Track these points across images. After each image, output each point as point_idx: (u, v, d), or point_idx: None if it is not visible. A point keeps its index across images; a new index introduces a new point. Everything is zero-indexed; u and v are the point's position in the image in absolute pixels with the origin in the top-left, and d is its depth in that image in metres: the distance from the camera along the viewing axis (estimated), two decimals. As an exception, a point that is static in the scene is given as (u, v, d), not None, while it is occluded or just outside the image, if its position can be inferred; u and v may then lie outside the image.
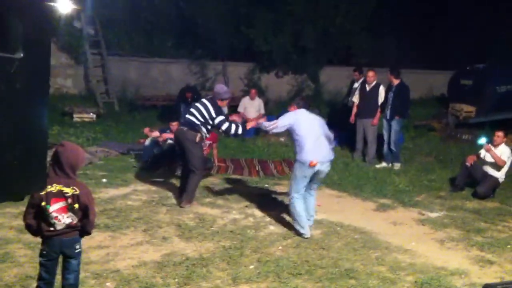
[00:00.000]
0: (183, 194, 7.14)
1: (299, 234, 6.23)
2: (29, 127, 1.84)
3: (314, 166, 6.17)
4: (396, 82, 10.10)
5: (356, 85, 11.34)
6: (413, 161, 10.69)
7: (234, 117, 7.76)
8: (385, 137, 10.20)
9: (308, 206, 6.45)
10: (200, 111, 7.11)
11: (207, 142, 9.45)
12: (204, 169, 7.31)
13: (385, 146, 10.19)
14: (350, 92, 11.66)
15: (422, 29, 16.96)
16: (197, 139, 7.01)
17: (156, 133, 9.24)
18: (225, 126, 7.07)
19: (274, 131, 6.60)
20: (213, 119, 7.05)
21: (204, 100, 7.29)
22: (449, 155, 11.02)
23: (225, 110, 12.19)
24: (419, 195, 8.41)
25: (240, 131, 7.12)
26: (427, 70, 16.70)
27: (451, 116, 13.53)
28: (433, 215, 7.41)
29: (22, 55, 1.72)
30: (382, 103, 10.20)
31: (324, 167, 6.38)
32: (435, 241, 6.39)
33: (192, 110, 7.20)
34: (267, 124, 6.63)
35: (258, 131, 12.18)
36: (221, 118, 7.07)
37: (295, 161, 6.33)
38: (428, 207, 7.74)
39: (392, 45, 16.61)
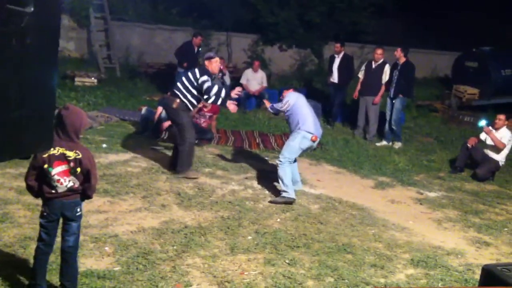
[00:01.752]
0: (177, 164, 7.01)
1: (288, 201, 6.46)
2: (38, 85, 1.81)
3: (314, 141, 6.68)
4: (403, 60, 9.99)
5: (337, 61, 11.17)
6: (414, 141, 10.69)
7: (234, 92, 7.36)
8: (388, 115, 10.15)
9: (294, 172, 6.82)
10: (187, 76, 7.04)
11: (207, 114, 9.42)
12: (192, 137, 6.97)
13: (387, 125, 10.14)
14: (329, 68, 11.43)
15: (429, 8, 16.78)
16: (174, 104, 6.87)
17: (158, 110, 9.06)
18: (206, 84, 6.83)
19: (282, 109, 6.83)
20: (197, 80, 6.89)
21: (195, 69, 7.19)
22: (450, 137, 11.02)
23: (228, 81, 12.19)
24: (418, 174, 8.43)
25: (220, 99, 6.86)
26: (432, 50, 16.57)
27: (454, 97, 13.47)
28: (432, 195, 7.44)
29: (32, 9, 1.68)
30: (387, 82, 10.12)
31: (316, 143, 6.89)
32: (433, 221, 6.43)
33: (180, 77, 7.23)
34: (278, 107, 6.88)
35: (260, 103, 12.17)
36: (204, 77, 6.86)
37: (296, 132, 6.61)
38: (427, 187, 7.77)
39: (398, 24, 16.46)
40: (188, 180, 6.89)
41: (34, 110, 1.80)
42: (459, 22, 16.31)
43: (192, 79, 6.93)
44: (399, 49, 10.02)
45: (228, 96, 7.08)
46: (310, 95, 12.12)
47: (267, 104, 7.24)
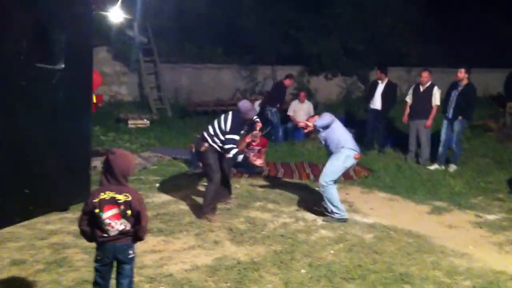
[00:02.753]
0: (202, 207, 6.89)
1: (341, 219, 6.72)
2: (71, 137, 1.89)
3: (357, 158, 6.92)
4: (466, 81, 9.80)
5: (380, 87, 11.05)
6: (469, 162, 10.38)
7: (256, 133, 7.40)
8: (442, 137, 9.93)
9: None
10: (219, 121, 6.89)
11: (256, 148, 9.49)
12: (218, 178, 6.84)
13: (441, 148, 9.92)
14: (370, 94, 11.28)
15: (475, 26, 16.45)
16: (203, 148, 6.86)
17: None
18: (229, 145, 6.67)
19: (327, 122, 6.82)
20: (224, 133, 6.75)
21: (229, 113, 6.95)
22: (507, 156, 10.64)
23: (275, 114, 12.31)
24: (476, 197, 8.17)
25: (239, 158, 6.74)
26: (482, 69, 16.17)
27: (509, 115, 13.05)
28: (491, 217, 7.17)
29: (63, 66, 1.77)
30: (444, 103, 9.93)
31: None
32: (493, 245, 6.18)
33: (214, 120, 7.02)
34: (318, 122, 6.87)
35: (308, 134, 12.16)
36: (232, 136, 6.70)
37: (339, 151, 6.74)
38: (486, 210, 7.50)
39: (443, 45, 16.20)
40: (240, 215, 6.92)
41: (69, 161, 1.88)
42: (508, 37, 15.89)
43: (223, 127, 6.80)
44: (463, 70, 9.78)
45: (239, 155, 6.78)
46: (349, 123, 12.09)
47: (311, 121, 7.09)
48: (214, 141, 6.87)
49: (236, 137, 6.79)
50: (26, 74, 1.64)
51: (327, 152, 7.13)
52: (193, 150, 9.52)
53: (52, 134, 1.77)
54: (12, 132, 1.62)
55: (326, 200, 6.78)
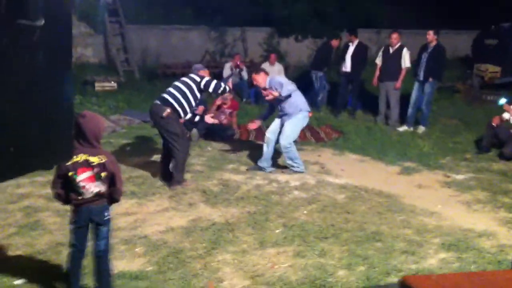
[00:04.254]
0: (166, 176, 6.67)
1: (301, 172, 7.16)
2: (54, 97, 1.83)
3: (310, 116, 7.50)
4: (434, 43, 9.87)
5: (350, 49, 11.04)
6: (438, 123, 10.55)
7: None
8: (412, 99, 10.03)
9: (271, 151, 7.42)
10: (185, 82, 6.64)
11: (228, 111, 9.45)
12: (186, 146, 6.66)
13: (410, 109, 10.04)
14: (344, 56, 11.17)
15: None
16: (165, 113, 6.42)
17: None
18: (213, 84, 6.61)
19: (291, 91, 7.10)
20: (198, 84, 6.60)
21: (184, 78, 6.81)
22: (474, 117, 10.85)
23: (245, 76, 12.20)
24: (444, 157, 8.33)
25: (227, 88, 6.79)
26: (450, 30, 16.32)
27: (476, 77, 13.26)
28: (459, 177, 7.35)
29: (43, 22, 1.69)
30: (415, 65, 10.02)
31: None
32: (462, 204, 6.35)
33: (175, 83, 6.72)
34: (285, 92, 7.02)
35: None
36: (206, 79, 6.65)
37: (298, 113, 7.13)
38: (454, 170, 7.68)
39: (412, 7, 16.23)
40: (213, 177, 6.92)
41: (52, 121, 1.83)
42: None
43: (192, 84, 6.62)
44: (431, 32, 9.85)
45: (226, 87, 6.79)
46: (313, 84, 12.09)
47: (276, 93, 7.09)
48: (180, 104, 6.52)
49: (208, 77, 6.82)
50: (6, 32, 1.57)
51: (281, 113, 7.33)
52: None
53: (35, 94, 1.71)
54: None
55: (288, 159, 7.22)
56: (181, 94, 6.55)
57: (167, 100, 6.52)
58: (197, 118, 7.00)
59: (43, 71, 1.75)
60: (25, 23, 1.63)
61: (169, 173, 6.66)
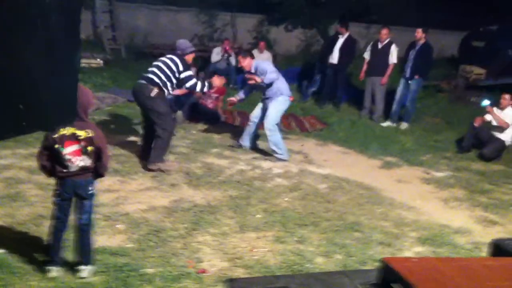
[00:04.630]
0: (148, 155, 6.49)
1: (282, 159, 7.30)
2: (63, 62, 1.86)
3: (292, 101, 7.81)
4: (423, 41, 9.95)
5: (339, 41, 11.05)
6: (421, 121, 10.69)
7: (215, 79, 7.25)
8: (398, 95, 10.13)
9: (254, 132, 7.77)
10: (168, 65, 6.54)
11: (214, 95, 9.44)
12: (171, 127, 6.61)
13: (395, 105, 10.15)
14: (331, 49, 11.17)
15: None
16: (153, 93, 6.36)
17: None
18: (191, 82, 6.65)
19: (274, 78, 7.36)
20: (180, 72, 6.54)
21: (171, 55, 6.68)
22: (457, 117, 10.99)
23: (233, 62, 12.18)
24: (425, 154, 8.46)
25: (205, 89, 6.88)
26: (437, 30, 16.44)
27: (461, 77, 13.41)
28: (439, 174, 7.47)
29: None
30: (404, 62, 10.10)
31: None
32: (440, 200, 6.48)
33: (157, 63, 6.63)
34: (267, 80, 7.29)
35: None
36: (188, 73, 6.63)
37: (279, 97, 7.34)
38: (434, 167, 7.80)
39: (402, 2, 16.29)
40: (196, 160, 6.94)
41: (60, 87, 1.86)
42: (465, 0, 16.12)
43: (175, 69, 6.53)
44: (420, 30, 9.96)
45: (205, 87, 6.84)
46: (307, 75, 12.16)
47: (259, 79, 7.32)
48: (165, 85, 6.48)
49: (191, 72, 6.76)
50: None
51: (263, 97, 7.59)
52: None
53: (45, 57, 1.74)
54: (10, 52, 1.58)
55: (272, 143, 7.35)
56: (164, 75, 6.50)
57: (152, 79, 6.45)
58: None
59: (54, 36, 1.77)
60: None
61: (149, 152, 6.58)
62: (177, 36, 14.98)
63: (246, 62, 7.44)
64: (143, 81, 6.50)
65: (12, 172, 5.80)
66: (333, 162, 7.60)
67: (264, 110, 7.49)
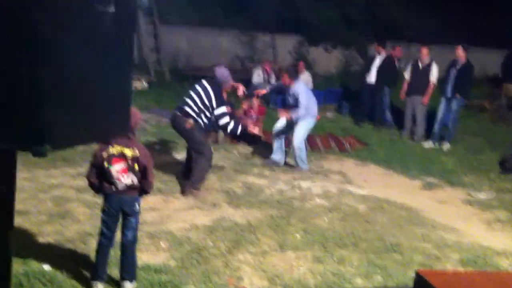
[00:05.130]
0: (187, 181, 6.50)
1: (306, 170, 7.76)
2: (118, 76, 2.03)
3: (318, 119, 8.24)
4: (463, 60, 9.88)
5: (377, 60, 11.05)
6: (463, 141, 10.53)
7: (252, 126, 7.25)
8: (439, 115, 10.03)
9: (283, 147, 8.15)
10: (201, 98, 6.45)
11: (254, 116, 9.57)
12: (210, 153, 6.52)
13: (436, 125, 10.06)
14: (370, 68, 11.19)
15: (476, 3, 16.40)
16: (189, 125, 6.37)
17: None
18: (223, 121, 6.52)
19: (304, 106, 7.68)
20: (213, 108, 6.45)
21: (207, 86, 6.55)
22: (500, 137, 10.77)
23: (273, 82, 12.33)
24: (467, 175, 8.35)
25: (238, 131, 6.71)
26: (479, 48, 16.21)
27: (504, 97, 13.18)
28: (481, 196, 7.37)
29: (113, 9, 1.90)
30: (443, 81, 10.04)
31: None
32: (482, 222, 6.39)
33: (192, 94, 6.55)
34: (300, 113, 7.65)
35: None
36: (221, 110, 6.48)
37: (306, 117, 7.69)
38: (476, 188, 7.69)
39: (443, 20, 16.16)
40: (237, 180, 7.06)
41: (115, 98, 2.02)
42: (508, 16, 15.86)
43: (208, 104, 6.45)
44: (460, 48, 9.85)
45: (238, 129, 6.69)
46: (347, 96, 12.19)
47: (294, 114, 7.71)
48: (200, 117, 6.44)
49: (225, 108, 6.57)
50: (86, 14, 1.79)
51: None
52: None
53: (103, 71, 1.92)
54: (73, 68, 1.76)
55: (300, 159, 7.78)
56: (198, 108, 6.44)
57: (187, 112, 6.45)
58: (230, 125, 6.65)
59: (111, 52, 1.95)
60: (99, 8, 1.84)
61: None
62: (218, 57, 15.37)
63: (287, 77, 7.75)
64: (179, 113, 6.55)
65: (61, 190, 6.04)
66: (373, 183, 7.60)
67: (288, 126, 7.88)
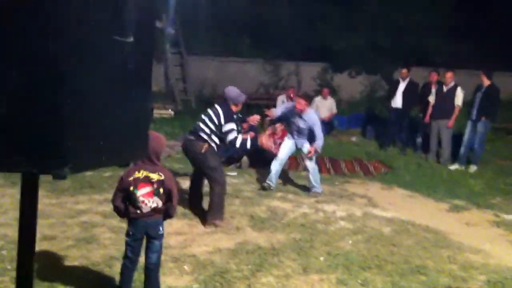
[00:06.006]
0: (209, 212, 6.29)
1: (319, 192, 7.84)
2: (137, 103, 2.14)
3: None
4: (487, 83, 9.90)
5: (402, 85, 11.05)
6: (490, 164, 10.42)
7: (262, 139, 6.98)
8: (466, 138, 10.01)
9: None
10: (211, 118, 6.39)
11: (278, 141, 9.65)
12: (224, 178, 6.38)
13: (463, 148, 9.99)
14: (395, 92, 11.21)
15: (503, 28, 16.34)
16: (203, 149, 6.27)
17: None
18: (231, 136, 6.35)
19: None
20: (221, 126, 6.33)
21: (217, 106, 6.52)
22: (529, 159, 10.67)
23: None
24: (495, 197, 8.25)
25: (247, 146, 6.54)
26: (507, 72, 16.09)
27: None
28: (509, 217, 7.25)
29: (132, 39, 2.01)
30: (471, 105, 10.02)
31: None
32: (510, 243, 6.28)
33: (203, 117, 6.48)
34: (320, 144, 7.81)
35: (329, 130, 12.31)
36: (229, 127, 6.34)
37: (312, 143, 7.80)
38: (504, 210, 7.58)
39: (469, 46, 16.13)
40: (261, 204, 7.10)
41: (134, 124, 2.12)
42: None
43: (217, 122, 6.35)
44: (483, 74, 9.98)
45: (246, 144, 6.51)
46: (372, 121, 12.19)
47: (315, 150, 7.78)
48: (212, 140, 6.36)
49: (233, 125, 6.38)
50: (105, 44, 1.92)
51: (297, 137, 8.03)
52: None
53: (122, 98, 2.03)
54: (93, 96, 1.88)
55: (314, 181, 7.88)
56: (210, 130, 6.36)
57: (200, 136, 6.34)
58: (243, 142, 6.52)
59: (130, 80, 2.06)
60: (118, 39, 1.96)
61: (198, 200, 6.69)
62: (244, 85, 15.57)
63: (302, 102, 7.81)
64: (192, 137, 6.42)
65: (88, 216, 6.17)
66: (398, 206, 7.54)
67: (294, 149, 8.10)
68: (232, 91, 6.61)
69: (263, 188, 7.88)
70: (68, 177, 1.84)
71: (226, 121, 6.32)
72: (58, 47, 1.71)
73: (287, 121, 8.23)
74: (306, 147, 7.91)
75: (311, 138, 7.84)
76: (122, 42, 1.93)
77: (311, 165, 7.87)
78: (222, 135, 6.35)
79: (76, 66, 1.77)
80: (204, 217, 6.35)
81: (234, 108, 6.50)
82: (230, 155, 9.30)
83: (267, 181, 7.92)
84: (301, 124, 7.85)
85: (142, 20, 2.05)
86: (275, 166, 7.96)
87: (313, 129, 7.76)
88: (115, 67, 1.91)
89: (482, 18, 15.87)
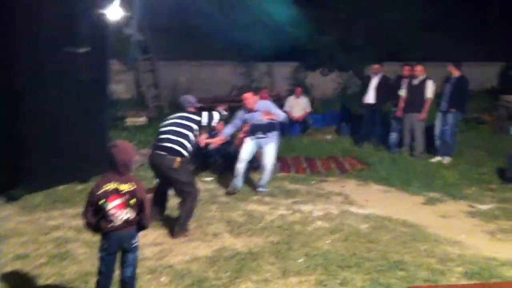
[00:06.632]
0: (175, 223, 6.18)
1: (262, 191, 7.88)
2: (94, 117, 2.08)
3: None
4: (456, 74, 10.01)
5: (375, 80, 11.12)
6: (463, 154, 10.53)
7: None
8: (437, 130, 10.11)
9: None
10: (182, 124, 6.30)
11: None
12: (196, 191, 6.24)
13: (437, 140, 10.10)
14: (367, 88, 11.23)
15: (472, 21, 16.59)
16: (176, 164, 6.02)
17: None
18: (210, 117, 6.58)
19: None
20: (199, 122, 6.42)
21: (180, 114, 6.50)
22: (500, 147, 10.74)
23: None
24: (469, 188, 8.33)
25: (213, 122, 6.68)
26: (476, 63, 16.31)
27: (502, 108, 13.20)
28: (484, 207, 7.34)
29: (84, 50, 1.96)
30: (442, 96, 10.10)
31: None
32: (486, 233, 6.35)
33: (170, 128, 6.30)
34: (283, 116, 8.02)
35: (304, 129, 12.33)
36: (204, 114, 6.52)
37: (275, 136, 7.93)
38: (479, 200, 7.67)
39: (441, 39, 16.31)
40: (238, 208, 7.06)
41: (91, 138, 2.07)
42: (503, 30, 16.02)
43: (191, 124, 6.34)
44: (452, 66, 10.13)
45: (212, 120, 6.65)
46: (346, 118, 12.26)
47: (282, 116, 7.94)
48: (186, 148, 6.16)
49: (205, 112, 6.59)
50: (56, 56, 1.87)
51: (259, 136, 7.91)
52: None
53: (77, 112, 1.98)
54: (44, 107, 1.83)
55: (266, 181, 7.97)
56: (182, 137, 6.20)
57: (171, 148, 6.09)
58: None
59: (84, 90, 2.00)
60: (70, 50, 1.91)
61: (162, 209, 6.53)
62: (216, 89, 15.52)
63: (249, 98, 7.83)
64: (163, 152, 6.09)
65: (61, 232, 6.06)
66: (375, 202, 7.57)
67: (256, 148, 8.02)
68: (189, 97, 6.97)
69: (228, 193, 7.82)
70: (22, 197, 1.78)
71: (200, 115, 6.51)
72: (16, 67, 1.66)
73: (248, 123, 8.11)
74: (269, 145, 7.87)
75: (272, 127, 7.85)
76: (74, 53, 1.89)
77: (269, 163, 7.86)
78: (201, 128, 6.55)
79: (31, 82, 1.71)
80: (172, 228, 6.19)
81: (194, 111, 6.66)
82: (205, 159, 9.23)
83: (231, 185, 7.92)
84: (259, 116, 7.77)
85: (95, 30, 2.01)
86: (239, 168, 7.93)
87: (271, 112, 7.77)
88: (69, 79, 1.87)
89: (453, 10, 16.07)
